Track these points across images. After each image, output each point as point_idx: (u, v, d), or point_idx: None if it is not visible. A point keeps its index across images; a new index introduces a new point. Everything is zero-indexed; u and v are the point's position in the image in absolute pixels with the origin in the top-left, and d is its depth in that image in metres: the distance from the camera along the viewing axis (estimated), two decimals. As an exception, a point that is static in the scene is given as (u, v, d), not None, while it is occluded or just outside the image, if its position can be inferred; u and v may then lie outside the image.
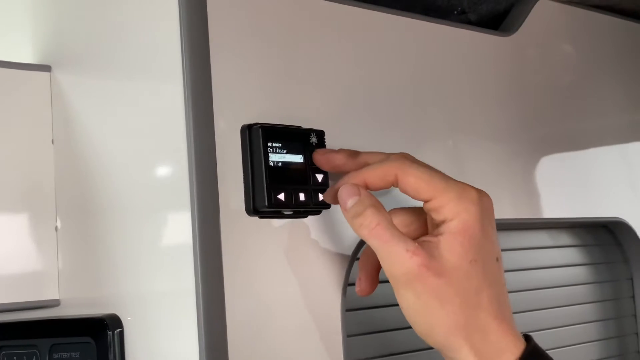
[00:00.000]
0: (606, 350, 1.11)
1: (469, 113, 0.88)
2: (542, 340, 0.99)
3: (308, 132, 0.71)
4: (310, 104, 0.74)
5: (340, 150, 0.69)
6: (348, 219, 0.64)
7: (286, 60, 0.73)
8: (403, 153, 0.66)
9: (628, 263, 1.12)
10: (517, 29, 0.96)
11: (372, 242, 0.62)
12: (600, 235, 1.12)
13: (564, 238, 1.09)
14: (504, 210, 0.91)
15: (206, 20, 0.67)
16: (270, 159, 0.67)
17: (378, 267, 0.67)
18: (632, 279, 1.13)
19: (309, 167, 0.70)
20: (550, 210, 0.97)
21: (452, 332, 0.61)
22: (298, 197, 0.68)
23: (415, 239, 0.63)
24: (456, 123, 0.87)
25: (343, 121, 0.76)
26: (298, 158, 0.69)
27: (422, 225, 0.66)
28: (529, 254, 1.03)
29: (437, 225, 0.63)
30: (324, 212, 0.72)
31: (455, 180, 0.64)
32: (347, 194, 0.64)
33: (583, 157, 1.03)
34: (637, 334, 1.14)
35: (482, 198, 0.63)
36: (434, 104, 0.85)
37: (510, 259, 0.99)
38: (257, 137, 0.67)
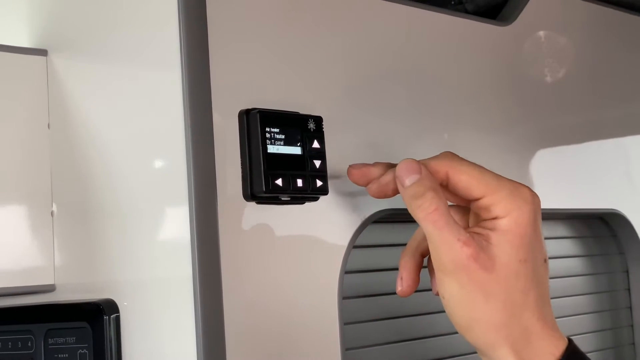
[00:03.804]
0: (601, 342, 1.11)
1: (465, 103, 0.88)
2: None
3: (306, 117, 0.70)
4: (308, 90, 0.74)
5: (377, 164, 0.67)
6: (405, 198, 0.62)
7: (284, 47, 0.72)
8: (448, 151, 0.64)
9: (623, 255, 1.12)
10: (514, 19, 0.95)
11: (426, 226, 0.61)
12: (596, 227, 1.12)
13: (560, 229, 1.09)
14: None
15: (204, 5, 0.66)
16: (268, 145, 0.67)
17: (420, 265, 0.66)
18: (627, 271, 1.13)
19: (307, 153, 0.70)
20: (546, 201, 0.96)
21: (493, 329, 0.59)
22: (296, 182, 0.68)
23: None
24: (452, 113, 0.87)
25: (340, 109, 0.76)
26: (296, 144, 0.69)
27: (464, 220, 0.65)
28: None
29: (486, 222, 0.61)
30: (322, 198, 0.71)
31: (506, 178, 0.62)
32: (407, 169, 0.62)
33: (579, 148, 1.03)
34: (632, 326, 1.14)
35: (535, 197, 0.62)
36: (430, 93, 0.85)
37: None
38: (255, 122, 0.67)
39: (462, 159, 0.63)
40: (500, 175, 0.62)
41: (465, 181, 0.61)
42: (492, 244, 0.60)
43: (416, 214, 0.61)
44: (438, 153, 0.85)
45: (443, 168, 0.62)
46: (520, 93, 0.95)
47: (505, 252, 0.60)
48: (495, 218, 0.60)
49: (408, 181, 0.61)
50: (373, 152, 0.78)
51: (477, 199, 0.61)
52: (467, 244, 0.59)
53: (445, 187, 0.63)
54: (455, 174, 0.62)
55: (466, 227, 0.63)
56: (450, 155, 0.63)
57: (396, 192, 0.64)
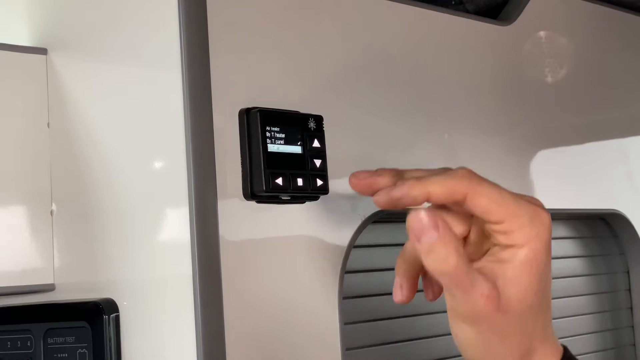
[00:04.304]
0: (602, 343, 1.11)
1: (465, 103, 0.88)
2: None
3: (306, 117, 0.70)
4: (308, 90, 0.74)
5: (382, 171, 0.61)
6: (421, 252, 0.56)
7: (284, 46, 0.72)
8: (465, 168, 0.59)
9: (624, 255, 1.12)
10: (515, 19, 0.95)
11: (446, 283, 0.56)
12: (597, 228, 1.12)
13: (561, 230, 1.09)
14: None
15: (204, 4, 0.66)
16: (268, 144, 0.67)
17: (419, 272, 0.62)
18: (628, 272, 1.13)
19: (307, 152, 0.69)
20: (547, 201, 0.96)
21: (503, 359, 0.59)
22: (296, 182, 0.68)
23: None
24: (452, 113, 0.86)
25: (340, 108, 0.76)
26: (296, 143, 0.69)
27: (466, 227, 0.61)
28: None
29: (502, 247, 0.58)
30: (322, 198, 0.71)
31: (525, 199, 0.59)
32: (421, 228, 0.55)
33: (580, 149, 1.03)
34: (632, 326, 1.14)
35: (550, 218, 0.59)
36: (431, 93, 0.84)
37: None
38: (256, 121, 0.67)
39: (480, 178, 0.59)
40: (518, 195, 0.59)
41: (485, 205, 0.57)
42: (509, 279, 0.57)
43: (433, 268, 0.56)
44: (438, 152, 0.85)
45: (462, 189, 0.58)
46: (520, 93, 0.95)
47: (523, 286, 0.57)
48: (512, 246, 0.57)
49: (425, 240, 0.55)
50: (373, 151, 0.78)
51: (496, 223, 0.58)
52: (490, 299, 0.56)
53: (458, 204, 0.59)
54: (475, 196, 0.57)
55: (467, 234, 0.61)
56: (469, 175, 0.58)
57: (408, 205, 0.59)
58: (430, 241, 0.55)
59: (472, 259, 0.60)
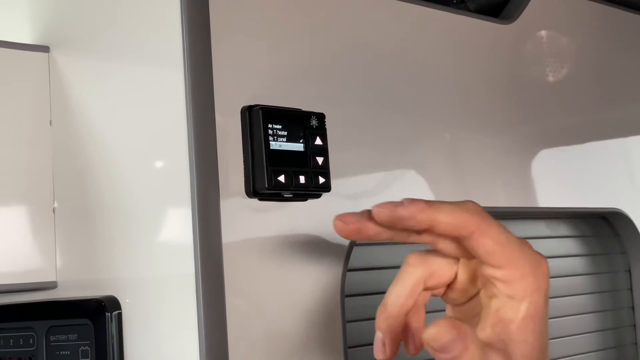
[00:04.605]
0: (603, 342, 1.10)
1: (466, 102, 0.88)
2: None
3: (308, 114, 0.70)
4: (310, 87, 0.74)
5: (371, 214, 0.55)
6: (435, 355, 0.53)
7: (286, 44, 0.72)
8: (474, 203, 0.56)
9: (626, 254, 1.12)
10: (517, 18, 0.95)
11: None
12: (598, 226, 1.12)
13: (562, 229, 1.09)
14: (501, 200, 0.90)
15: (207, 2, 0.66)
16: (270, 141, 0.67)
17: (402, 327, 0.59)
18: (629, 271, 1.13)
19: (310, 149, 0.69)
20: (549, 200, 0.97)
21: None
22: (298, 179, 0.68)
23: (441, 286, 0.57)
24: (454, 112, 0.86)
25: (342, 106, 0.76)
26: (298, 140, 0.69)
27: (453, 271, 0.58)
28: (527, 244, 1.03)
29: (501, 301, 0.55)
30: (324, 195, 0.71)
31: (527, 246, 0.56)
32: (445, 342, 0.52)
33: (582, 148, 1.03)
34: (634, 326, 1.14)
35: (549, 269, 0.56)
36: (432, 92, 0.84)
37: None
38: (258, 118, 0.67)
39: (489, 216, 0.56)
40: (523, 242, 0.56)
41: (490, 247, 0.54)
42: (516, 342, 0.55)
43: None
44: (440, 151, 0.85)
45: (471, 226, 0.54)
46: (522, 92, 0.95)
47: (529, 345, 0.55)
48: (512, 297, 0.55)
49: (451, 355, 0.51)
50: (375, 149, 0.78)
51: (494, 267, 0.55)
52: None
53: (458, 240, 0.56)
54: (481, 236, 0.54)
55: (459, 253, 0.57)
56: (480, 212, 0.55)
57: (409, 227, 0.56)
58: (456, 353, 0.51)
59: (455, 304, 0.59)
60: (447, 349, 0.51)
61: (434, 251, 0.57)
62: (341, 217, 0.54)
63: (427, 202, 0.54)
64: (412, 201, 0.54)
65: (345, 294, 0.73)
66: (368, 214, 0.55)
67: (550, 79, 0.99)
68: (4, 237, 0.71)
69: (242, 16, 0.69)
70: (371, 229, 0.55)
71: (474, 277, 0.58)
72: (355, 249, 0.74)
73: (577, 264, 1.10)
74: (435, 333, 0.51)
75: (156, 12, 0.67)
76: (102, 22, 0.72)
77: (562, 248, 1.08)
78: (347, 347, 0.73)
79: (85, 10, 0.74)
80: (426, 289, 0.57)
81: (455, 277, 0.58)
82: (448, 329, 0.51)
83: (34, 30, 0.77)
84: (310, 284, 0.70)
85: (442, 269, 0.57)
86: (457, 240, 0.56)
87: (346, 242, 0.73)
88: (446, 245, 0.56)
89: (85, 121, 0.73)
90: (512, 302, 0.55)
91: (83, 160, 0.72)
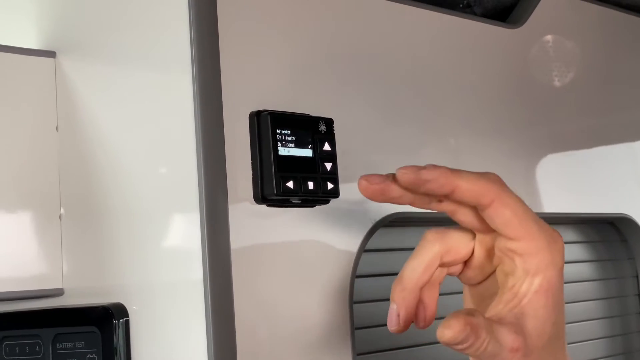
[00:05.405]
0: (611, 348, 1.10)
1: (473, 106, 0.88)
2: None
3: (317, 119, 0.70)
4: (319, 92, 0.73)
5: (394, 180, 0.56)
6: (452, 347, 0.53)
7: (295, 49, 0.72)
8: (495, 175, 0.56)
9: (634, 260, 1.12)
10: (524, 22, 0.95)
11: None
12: (606, 232, 1.12)
13: (570, 234, 1.08)
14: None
15: (215, 7, 0.66)
16: (278, 147, 0.66)
17: (417, 300, 0.58)
18: (637, 277, 1.12)
19: (318, 155, 0.69)
20: (556, 205, 0.96)
21: None
22: (307, 185, 0.68)
23: (461, 261, 0.57)
24: (461, 116, 0.86)
25: (350, 111, 0.75)
26: (307, 146, 0.68)
27: (470, 248, 0.58)
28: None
29: (515, 277, 0.55)
30: (332, 201, 0.71)
31: (543, 222, 0.56)
32: (460, 341, 0.52)
33: (589, 153, 1.02)
34: (642, 331, 1.13)
35: (564, 246, 0.57)
36: (438, 96, 0.84)
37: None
38: (266, 124, 0.66)
39: (508, 187, 0.56)
40: (538, 217, 0.56)
41: (508, 217, 0.55)
42: (528, 316, 0.54)
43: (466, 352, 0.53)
44: (444, 157, 0.84)
45: (491, 194, 0.55)
46: (529, 96, 0.95)
47: (540, 320, 0.55)
48: (527, 272, 0.55)
49: (464, 347, 0.52)
50: (382, 154, 0.78)
51: (512, 239, 0.55)
52: (517, 349, 0.53)
53: (479, 209, 0.56)
54: (501, 205, 0.55)
55: (470, 256, 0.58)
56: (500, 182, 0.56)
57: (432, 191, 0.56)
58: (469, 344, 0.52)
59: (471, 284, 0.59)
60: (460, 343, 0.51)
61: (451, 229, 0.58)
62: (366, 177, 0.56)
63: (450, 169, 0.55)
64: (436, 166, 0.55)
65: (354, 301, 0.73)
66: (392, 177, 0.55)
67: (557, 83, 0.99)
68: (10, 244, 0.71)
69: (250, 21, 0.69)
70: (394, 191, 0.55)
71: (490, 253, 0.58)
72: (364, 256, 0.74)
73: (585, 269, 1.09)
74: (451, 336, 0.51)
75: (164, 17, 0.67)
76: (108, 27, 0.72)
77: (570, 254, 1.07)
78: (356, 354, 0.72)
79: (92, 15, 0.74)
80: (442, 265, 0.58)
81: (472, 254, 0.58)
82: (462, 328, 0.51)
83: (40, 36, 0.77)
84: (318, 291, 0.70)
85: (459, 245, 0.58)
86: (476, 210, 0.56)
87: (354, 249, 0.73)
88: (465, 217, 0.57)
89: (92, 127, 0.72)
90: (526, 278, 0.54)
91: (89, 166, 0.72)
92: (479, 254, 0.58)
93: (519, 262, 0.55)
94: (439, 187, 0.55)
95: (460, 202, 0.56)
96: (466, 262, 0.59)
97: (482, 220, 0.56)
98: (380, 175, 0.56)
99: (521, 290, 0.55)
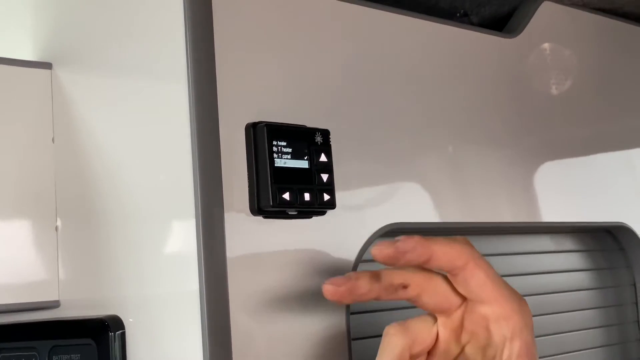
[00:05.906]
0: (609, 357, 1.10)
1: (470, 115, 0.88)
2: (544, 346, 0.98)
3: (313, 131, 0.70)
4: (315, 104, 0.73)
5: (358, 275, 0.58)
6: None
7: (291, 60, 0.72)
8: (466, 239, 0.58)
9: (631, 269, 1.12)
10: (521, 31, 0.95)
11: None
12: (604, 241, 1.11)
13: (567, 243, 1.08)
14: (505, 213, 0.90)
15: (211, 17, 0.66)
16: (275, 158, 0.66)
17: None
18: (635, 285, 1.12)
19: (314, 166, 0.69)
20: (554, 214, 0.96)
21: None
22: (303, 197, 0.68)
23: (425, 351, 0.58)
24: (458, 125, 0.86)
25: (346, 122, 0.75)
26: (303, 157, 0.68)
27: (433, 338, 0.59)
28: (532, 258, 1.03)
29: (493, 347, 0.57)
30: (329, 212, 0.71)
31: (509, 285, 0.58)
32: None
33: (586, 161, 1.02)
34: (639, 340, 1.13)
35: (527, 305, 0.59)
36: (436, 105, 0.84)
37: (513, 264, 0.98)
38: (262, 135, 0.66)
39: (477, 251, 0.58)
40: (505, 281, 0.58)
41: (482, 279, 0.56)
42: None
43: None
44: (443, 165, 0.84)
45: (465, 257, 0.56)
46: (526, 105, 0.95)
47: None
48: (503, 338, 0.56)
49: None
50: (379, 164, 0.77)
51: (484, 302, 0.57)
52: None
53: (453, 275, 0.58)
54: (475, 268, 0.56)
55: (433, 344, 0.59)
56: (470, 245, 0.58)
57: (409, 262, 0.57)
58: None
59: None
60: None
61: (411, 319, 0.59)
62: (331, 281, 0.57)
63: (424, 237, 0.56)
64: (409, 237, 0.56)
65: (351, 312, 0.73)
66: (355, 275, 0.57)
67: (554, 92, 0.99)
68: (7, 256, 0.71)
69: (246, 31, 0.69)
70: (362, 287, 0.57)
71: (457, 333, 0.58)
72: (361, 266, 0.74)
73: (582, 278, 1.09)
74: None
75: (160, 28, 0.67)
76: (104, 38, 0.72)
77: (567, 262, 1.07)
78: (353, 365, 0.72)
79: (88, 26, 0.74)
80: (411, 357, 0.58)
81: (437, 340, 0.59)
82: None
83: (36, 47, 0.77)
84: (314, 302, 0.70)
85: (422, 333, 0.58)
86: (443, 286, 0.57)
87: (352, 258, 0.73)
88: (431, 298, 0.58)
89: (88, 138, 0.72)
90: (504, 343, 0.56)
91: (86, 178, 0.72)
92: (445, 336, 0.58)
93: (495, 329, 0.56)
94: (417, 256, 0.56)
95: (435, 268, 0.57)
96: (429, 352, 0.59)
97: (447, 297, 0.57)
98: (344, 277, 0.57)
99: (504, 358, 0.56)
